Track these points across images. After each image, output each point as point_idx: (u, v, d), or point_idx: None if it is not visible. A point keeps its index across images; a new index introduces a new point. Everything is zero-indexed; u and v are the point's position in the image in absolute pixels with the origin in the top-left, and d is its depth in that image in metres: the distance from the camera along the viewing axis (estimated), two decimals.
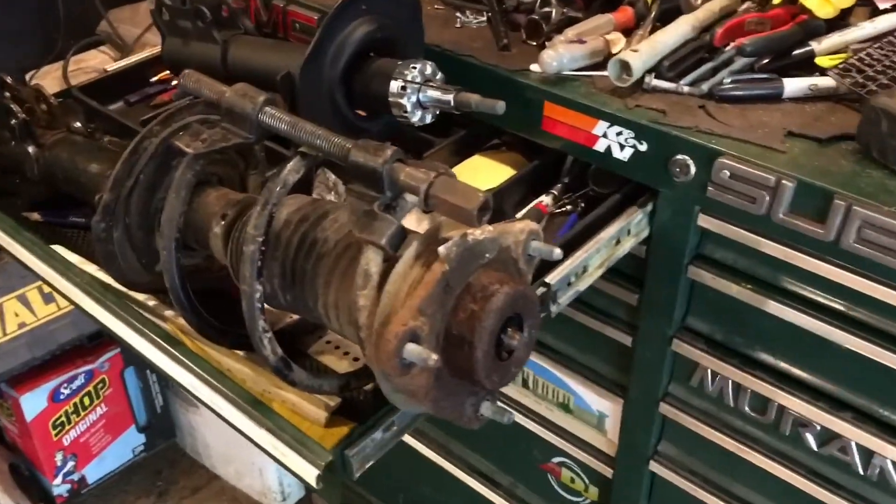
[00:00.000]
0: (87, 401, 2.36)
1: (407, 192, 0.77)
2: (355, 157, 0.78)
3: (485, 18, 1.33)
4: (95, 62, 2.26)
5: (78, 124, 1.17)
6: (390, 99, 1.12)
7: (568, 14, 1.26)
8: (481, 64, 1.22)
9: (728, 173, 1.02)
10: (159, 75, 1.51)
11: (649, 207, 1.13)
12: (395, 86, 1.11)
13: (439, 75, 1.13)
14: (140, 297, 1.04)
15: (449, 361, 0.77)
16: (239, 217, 0.94)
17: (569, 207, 1.21)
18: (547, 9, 1.25)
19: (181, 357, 0.91)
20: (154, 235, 0.99)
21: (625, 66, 1.12)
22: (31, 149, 1.13)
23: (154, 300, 1.04)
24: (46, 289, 2.14)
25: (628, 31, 1.25)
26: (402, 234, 0.79)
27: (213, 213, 0.95)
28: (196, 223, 0.96)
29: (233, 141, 0.85)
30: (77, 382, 2.32)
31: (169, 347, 0.92)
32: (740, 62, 1.15)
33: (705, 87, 1.13)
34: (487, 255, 0.80)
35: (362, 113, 1.19)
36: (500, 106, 1.05)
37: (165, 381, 2.45)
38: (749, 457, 1.21)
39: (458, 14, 1.35)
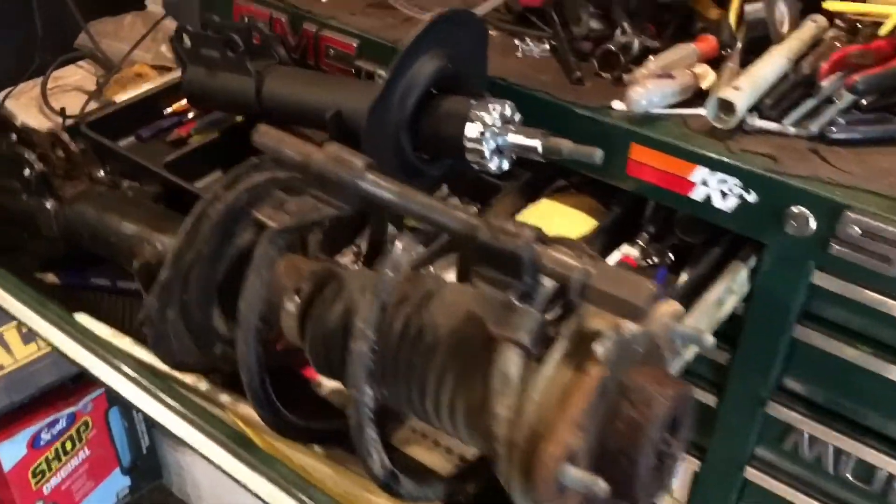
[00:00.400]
0: (69, 445, 2.18)
1: (555, 279, 0.65)
2: (485, 237, 0.65)
3: (548, 47, 1.21)
4: (75, 79, 2.07)
5: (101, 173, 1.02)
6: (467, 144, 0.99)
7: (644, 43, 1.14)
8: (555, 100, 1.10)
9: (857, 229, 0.91)
10: (174, 106, 1.36)
11: (752, 262, 1.02)
12: (472, 129, 0.98)
13: (518, 116, 1.01)
14: (189, 379, 0.89)
15: (601, 476, 0.65)
16: (316, 292, 0.80)
17: (656, 260, 1.09)
18: (623, 38, 1.13)
19: (255, 461, 0.77)
20: (212, 311, 0.84)
21: (725, 105, 1.01)
22: (48, 203, 0.98)
23: (205, 382, 0.90)
24: (25, 328, 1.97)
25: (712, 62, 1.14)
26: (545, 330, 0.66)
27: (282, 286, 0.81)
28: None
29: (326, 212, 0.71)
30: (58, 426, 2.14)
31: (240, 450, 0.78)
32: (846, 100, 1.04)
33: (814, 127, 1.01)
34: (640, 350, 0.68)
35: (425, 156, 1.06)
36: (598, 155, 0.93)
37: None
38: None
39: (517, 41, 1.22)
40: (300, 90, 1.13)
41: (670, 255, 1.09)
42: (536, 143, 0.96)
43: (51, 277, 1.03)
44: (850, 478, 1.09)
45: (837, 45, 1.13)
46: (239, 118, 1.30)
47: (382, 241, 0.91)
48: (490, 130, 0.98)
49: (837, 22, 1.18)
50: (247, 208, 0.82)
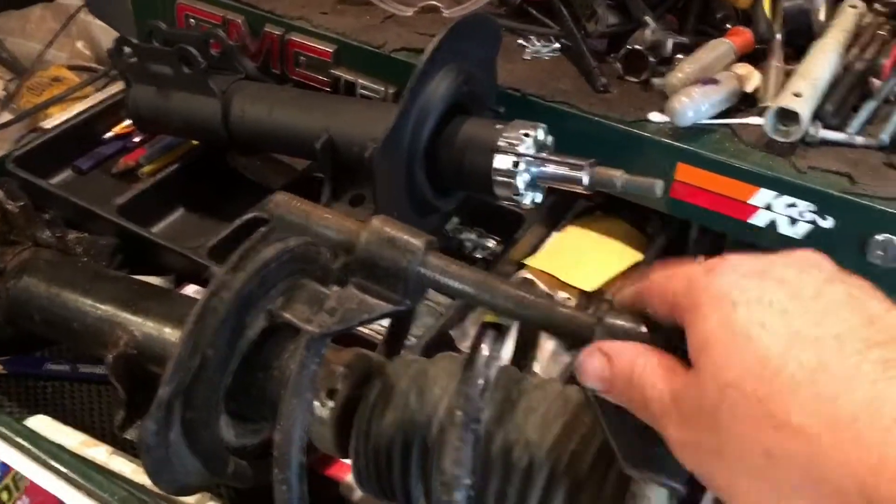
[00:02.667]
0: (5, 496, 1.95)
1: None
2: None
3: (558, 46, 1.05)
4: None
5: (47, 233, 0.82)
6: (496, 178, 0.83)
7: (674, 40, 1.00)
8: (583, 114, 0.94)
9: None
10: (115, 129, 1.15)
11: None
12: (503, 161, 0.82)
13: (551, 139, 0.85)
14: (190, 501, 0.72)
15: None
16: (357, 392, 0.64)
17: None
18: (651, 35, 0.98)
19: None
20: (219, 422, 0.67)
21: (786, 115, 0.87)
22: None
23: (209, 500, 0.73)
24: None
25: (749, 59, 1.00)
26: None
27: None
28: (270, 392, 0.66)
29: (379, 311, 0.54)
30: None
31: None
32: None
33: (885, 136, 0.89)
34: None
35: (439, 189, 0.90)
36: (659, 187, 0.79)
37: None
38: None
39: (520, 41, 1.06)
40: (279, 112, 0.95)
41: None
42: (583, 175, 0.81)
43: None
44: None
45: (882, 33, 1.01)
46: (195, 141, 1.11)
47: (410, 314, 0.75)
48: (524, 161, 0.82)
49: (876, 6, 1.06)
50: (259, 294, 0.65)
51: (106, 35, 1.78)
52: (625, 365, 0.42)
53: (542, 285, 0.95)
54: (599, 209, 1.04)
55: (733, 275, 0.37)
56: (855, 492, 0.30)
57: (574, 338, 0.51)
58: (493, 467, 0.57)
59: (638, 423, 0.44)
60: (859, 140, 0.89)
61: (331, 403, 0.64)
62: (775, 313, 0.34)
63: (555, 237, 0.99)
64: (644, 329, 0.46)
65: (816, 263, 0.38)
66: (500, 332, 0.54)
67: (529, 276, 0.96)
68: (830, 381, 0.32)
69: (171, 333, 0.71)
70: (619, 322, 0.47)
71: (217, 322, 0.62)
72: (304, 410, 0.56)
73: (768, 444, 0.33)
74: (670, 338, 0.44)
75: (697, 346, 0.37)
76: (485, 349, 0.53)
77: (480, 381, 0.52)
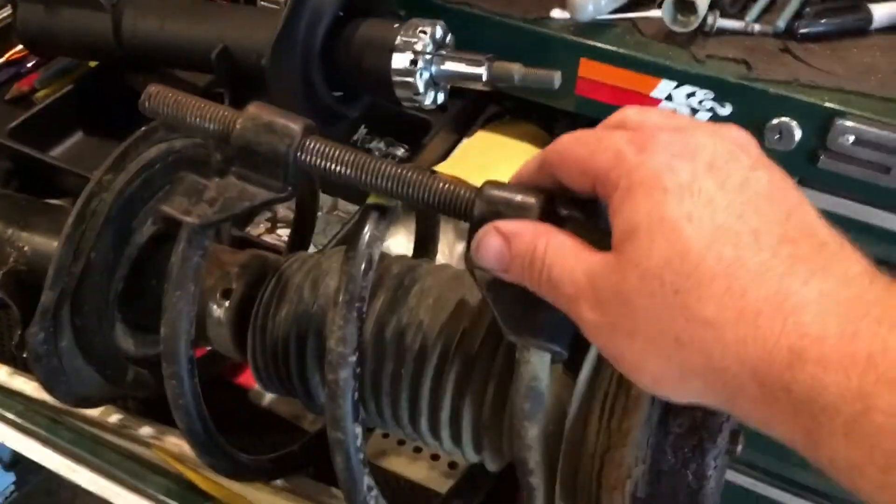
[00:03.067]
0: None
1: None
2: (483, 210, 0.49)
3: None
4: None
5: None
6: (395, 78, 0.81)
7: None
8: (484, 13, 0.93)
9: (852, 138, 0.80)
10: (7, 54, 1.10)
11: None
12: (400, 60, 0.81)
13: (450, 38, 0.84)
14: (94, 413, 0.71)
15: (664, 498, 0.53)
16: (249, 292, 0.63)
17: None
18: None
19: None
20: (114, 329, 0.66)
21: (684, 6, 0.87)
22: None
23: (115, 413, 0.72)
24: None
25: None
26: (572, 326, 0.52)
27: (204, 287, 0.63)
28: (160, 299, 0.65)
29: (260, 198, 0.53)
30: None
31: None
32: None
33: (781, 23, 0.90)
34: None
35: (340, 94, 0.88)
36: (557, 78, 0.78)
37: None
38: None
39: None
40: (172, 24, 0.92)
41: None
42: (481, 71, 0.80)
43: None
44: None
45: None
46: (93, 63, 1.07)
47: (312, 213, 0.74)
48: (422, 59, 0.80)
49: None
50: (144, 195, 0.63)
51: None
52: (525, 245, 0.41)
53: None
54: (509, 114, 1.03)
55: (665, 154, 0.36)
56: (748, 378, 0.33)
57: (457, 212, 0.50)
58: (387, 351, 0.57)
59: (520, 292, 0.44)
60: (757, 28, 0.90)
61: (226, 303, 0.63)
62: (702, 204, 0.35)
63: (464, 143, 0.99)
64: (532, 199, 0.44)
65: (744, 145, 0.38)
66: (383, 212, 0.53)
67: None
68: (743, 276, 0.34)
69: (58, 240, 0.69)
70: (501, 193, 0.46)
71: (98, 224, 0.61)
72: (188, 303, 0.55)
73: (679, 333, 0.35)
74: (575, 204, 0.43)
75: (624, 231, 0.37)
76: (367, 228, 0.53)
77: (363, 260, 0.51)
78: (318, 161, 0.52)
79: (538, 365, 0.49)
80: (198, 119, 0.54)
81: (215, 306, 0.64)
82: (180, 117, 0.55)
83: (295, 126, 0.52)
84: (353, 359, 0.51)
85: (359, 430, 0.52)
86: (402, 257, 0.63)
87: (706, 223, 0.35)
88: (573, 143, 0.41)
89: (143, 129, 0.63)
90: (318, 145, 0.51)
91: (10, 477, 2.11)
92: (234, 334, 0.63)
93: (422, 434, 0.59)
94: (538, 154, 0.44)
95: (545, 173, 0.43)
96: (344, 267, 0.52)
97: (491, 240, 0.43)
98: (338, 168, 0.51)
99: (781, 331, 0.33)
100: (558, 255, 0.40)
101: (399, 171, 0.50)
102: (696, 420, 0.51)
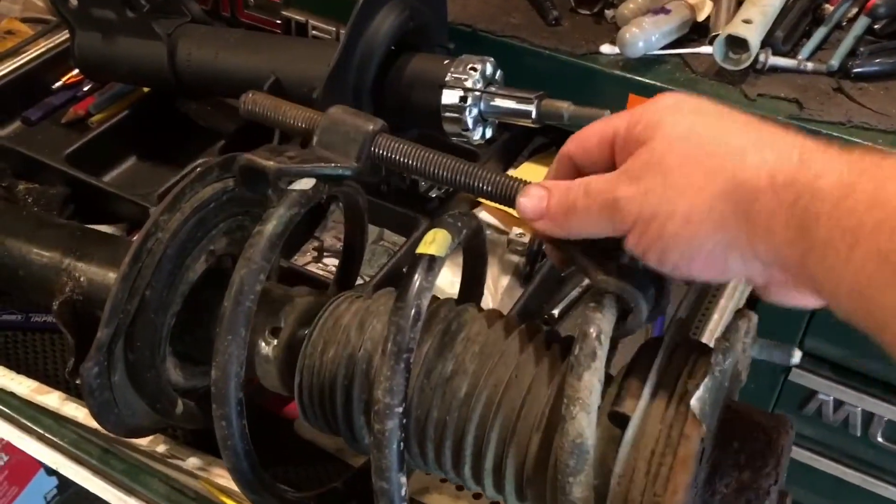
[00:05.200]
0: None
1: None
2: None
3: None
4: None
5: None
6: (444, 114, 0.82)
7: None
8: (534, 48, 0.93)
9: None
10: (65, 78, 1.13)
11: None
12: (450, 96, 0.81)
13: (500, 74, 0.84)
14: (143, 442, 0.72)
15: None
16: (301, 329, 0.64)
17: None
18: None
19: None
20: (165, 364, 0.67)
21: (736, 42, 0.87)
22: None
23: (163, 443, 0.73)
24: None
25: None
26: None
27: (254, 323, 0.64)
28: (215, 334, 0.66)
29: (333, 165, 0.59)
30: None
31: None
32: (860, 25, 0.92)
33: (834, 61, 0.89)
34: (727, 385, 0.54)
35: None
36: (606, 116, 0.78)
37: None
38: (879, 489, 1.04)
39: None
40: (226, 55, 0.93)
41: None
42: (530, 109, 0.80)
43: None
44: (882, 440, 1.01)
45: None
46: (147, 88, 1.09)
47: (360, 249, 0.74)
48: (472, 96, 0.81)
49: None
50: (198, 234, 0.64)
51: None
52: (564, 186, 0.49)
53: (497, 222, 0.95)
54: (555, 145, 1.03)
55: (672, 95, 0.47)
56: (765, 182, 0.40)
57: (504, 199, 0.57)
58: (433, 397, 0.57)
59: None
60: (809, 66, 0.89)
61: (275, 341, 0.64)
62: (712, 107, 0.45)
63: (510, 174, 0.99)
64: None
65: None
66: (432, 262, 0.54)
67: (485, 213, 0.96)
68: (754, 127, 0.43)
69: (115, 278, 0.70)
70: None
71: (154, 263, 0.62)
72: (239, 347, 0.56)
73: (705, 166, 0.42)
74: None
75: (650, 125, 0.45)
76: (416, 279, 0.53)
77: (412, 312, 0.52)
78: (387, 153, 0.58)
79: (583, 421, 0.50)
80: (287, 117, 0.61)
81: (263, 343, 0.65)
82: (273, 117, 0.62)
83: (370, 123, 0.59)
84: (400, 410, 0.51)
85: (403, 479, 0.52)
86: (448, 301, 0.64)
87: (715, 113, 0.45)
88: (587, 128, 0.50)
89: (198, 169, 0.64)
90: (389, 140, 0.58)
91: (53, 481, 2.15)
92: (281, 372, 0.64)
93: (465, 479, 0.59)
94: (553, 161, 0.54)
95: (564, 167, 0.52)
96: (392, 318, 0.52)
97: (532, 189, 0.51)
98: (403, 160, 0.58)
99: (793, 147, 0.40)
100: (593, 179, 0.48)
101: (457, 164, 0.58)
102: (743, 482, 0.51)
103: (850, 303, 0.39)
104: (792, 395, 1.03)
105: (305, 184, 0.59)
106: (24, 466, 2.07)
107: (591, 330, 0.50)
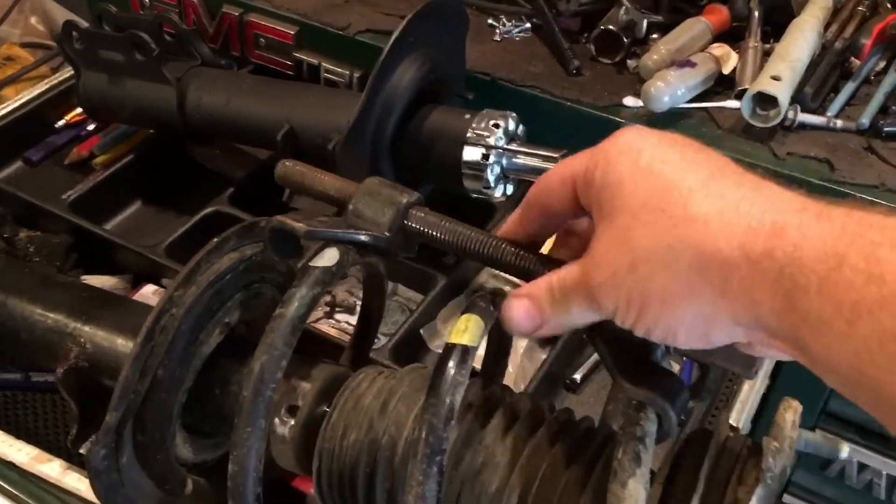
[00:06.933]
0: None
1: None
2: None
3: (529, 26, 1.01)
4: None
5: None
6: (465, 171, 0.79)
7: (649, 20, 0.96)
8: (555, 99, 0.91)
9: None
10: (67, 117, 1.09)
11: None
12: (472, 153, 0.79)
13: (521, 129, 0.82)
14: None
15: None
16: (321, 408, 0.61)
17: None
18: (624, 15, 0.94)
19: None
20: (174, 441, 0.64)
21: (764, 99, 0.84)
22: None
23: None
24: None
25: (725, 37, 0.97)
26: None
27: None
28: (228, 408, 0.63)
29: (364, 233, 0.57)
30: None
31: None
32: (890, 82, 0.89)
33: (865, 119, 0.86)
34: (776, 489, 0.51)
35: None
36: None
37: None
38: None
39: (490, 21, 1.02)
40: (238, 101, 0.91)
41: None
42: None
43: None
44: None
45: (861, 9, 0.98)
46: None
47: (378, 314, 0.71)
48: (494, 153, 0.78)
49: None
50: (213, 307, 0.61)
51: (62, 9, 1.71)
52: (543, 290, 0.48)
53: (514, 279, 0.92)
54: None
55: (632, 131, 0.43)
56: (737, 254, 0.38)
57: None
58: (462, 490, 0.54)
59: (626, 341, 0.47)
60: (839, 124, 0.86)
61: (291, 421, 0.61)
62: (673, 152, 0.41)
63: None
64: None
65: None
66: (465, 353, 0.51)
67: (507, 287, 0.93)
68: (718, 187, 0.39)
69: (123, 345, 0.67)
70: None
71: (167, 341, 0.59)
72: (258, 439, 0.52)
73: (669, 240, 0.40)
74: None
75: (612, 188, 0.42)
76: (450, 371, 0.50)
77: (445, 410, 0.49)
78: (418, 226, 0.57)
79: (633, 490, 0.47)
80: (321, 186, 0.59)
81: (279, 422, 0.61)
82: (307, 186, 0.60)
83: (404, 196, 0.57)
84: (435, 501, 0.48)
85: None
86: (476, 382, 0.61)
87: (678, 163, 0.41)
88: (548, 172, 0.48)
89: (215, 240, 0.61)
90: (420, 213, 0.57)
91: None
92: (297, 453, 0.61)
93: None
94: (515, 212, 0.52)
95: (529, 213, 0.51)
96: (425, 415, 0.49)
97: (515, 303, 0.50)
98: (437, 234, 0.56)
99: (763, 211, 0.38)
100: (563, 273, 0.46)
101: (489, 239, 0.54)
102: None
103: (849, 380, 0.37)
104: (815, 456, 1.00)
105: (329, 259, 0.57)
106: None
107: (637, 432, 0.48)
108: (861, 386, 0.36)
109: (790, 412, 0.53)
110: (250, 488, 0.52)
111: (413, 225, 0.57)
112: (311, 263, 0.57)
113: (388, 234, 0.57)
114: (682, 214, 0.39)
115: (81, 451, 0.70)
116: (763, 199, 0.38)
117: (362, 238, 0.57)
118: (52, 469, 0.71)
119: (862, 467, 0.98)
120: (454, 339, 0.52)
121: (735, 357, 0.48)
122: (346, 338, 0.78)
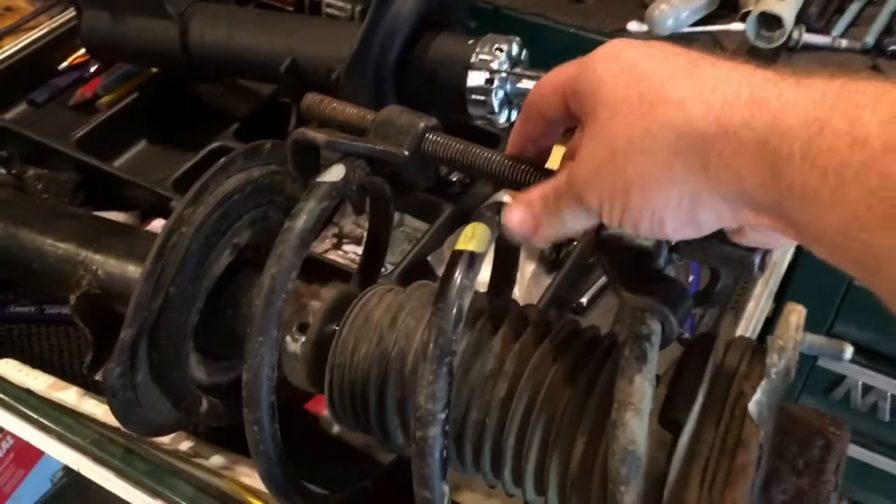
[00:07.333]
0: None
1: None
2: None
3: None
4: None
5: (2, 171, 0.79)
6: (470, 96, 0.79)
7: None
8: (558, 25, 0.90)
9: None
10: (70, 59, 1.09)
11: None
12: (476, 78, 0.79)
13: (524, 53, 0.82)
14: (165, 440, 0.70)
15: None
16: (329, 325, 0.62)
17: None
18: None
19: None
20: (188, 360, 0.65)
21: (769, 20, 0.84)
22: None
23: (186, 440, 0.71)
24: None
25: None
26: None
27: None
28: (239, 329, 0.64)
29: (381, 149, 0.57)
30: None
31: None
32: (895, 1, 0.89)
33: (869, 39, 0.86)
34: (782, 386, 0.52)
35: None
36: None
37: None
38: None
39: None
40: (241, 35, 0.90)
41: None
42: None
43: None
44: None
45: None
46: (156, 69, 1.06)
47: (385, 238, 0.72)
48: (498, 77, 0.78)
49: None
50: (222, 227, 0.62)
51: None
52: (537, 198, 0.49)
53: None
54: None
55: (617, 41, 0.44)
56: (713, 127, 0.38)
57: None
58: (471, 397, 0.55)
59: (626, 252, 0.49)
60: (843, 43, 0.86)
61: (303, 338, 0.62)
62: (654, 50, 0.42)
63: None
64: None
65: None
66: (473, 258, 0.52)
67: (507, 196, 0.93)
68: (695, 71, 0.40)
69: (134, 271, 0.68)
70: None
71: (178, 259, 0.60)
72: (271, 348, 0.53)
73: (647, 124, 0.40)
74: None
75: (595, 89, 0.43)
76: (457, 278, 0.51)
77: (453, 312, 0.49)
78: (433, 148, 0.57)
79: (635, 427, 0.47)
80: (342, 116, 0.60)
81: (290, 340, 0.62)
82: (330, 115, 0.60)
83: (420, 120, 0.58)
84: (443, 416, 0.49)
85: (446, 488, 0.50)
86: (482, 295, 0.62)
87: (658, 57, 0.42)
88: (544, 77, 0.48)
89: (222, 160, 0.62)
90: (435, 136, 0.57)
91: (59, 464, 2.13)
92: (309, 369, 0.62)
93: (504, 482, 0.57)
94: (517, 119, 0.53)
95: (529, 121, 0.51)
96: (433, 318, 0.50)
97: (514, 212, 0.50)
98: (449, 154, 0.57)
99: (739, 86, 0.38)
100: (554, 181, 0.48)
101: (499, 159, 0.55)
102: (801, 488, 0.49)
103: (837, 247, 0.36)
104: (820, 379, 1.02)
105: (336, 174, 0.57)
106: (30, 449, 2.06)
107: (642, 330, 0.48)
108: (849, 250, 0.35)
109: (794, 315, 0.53)
110: (264, 396, 0.54)
111: (428, 147, 0.58)
112: (318, 179, 0.57)
113: (406, 154, 0.57)
114: (659, 98, 0.40)
115: (96, 377, 0.71)
116: (739, 76, 0.38)
117: (381, 150, 0.57)
118: (69, 396, 0.72)
119: (867, 389, 0.99)
120: (461, 246, 0.52)
121: (731, 256, 0.49)
122: (355, 266, 0.78)
